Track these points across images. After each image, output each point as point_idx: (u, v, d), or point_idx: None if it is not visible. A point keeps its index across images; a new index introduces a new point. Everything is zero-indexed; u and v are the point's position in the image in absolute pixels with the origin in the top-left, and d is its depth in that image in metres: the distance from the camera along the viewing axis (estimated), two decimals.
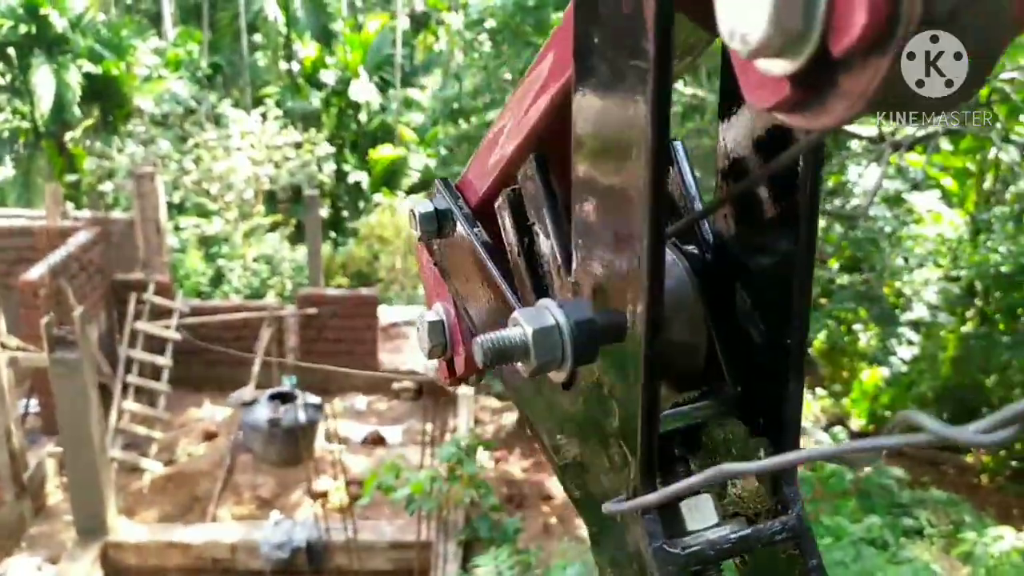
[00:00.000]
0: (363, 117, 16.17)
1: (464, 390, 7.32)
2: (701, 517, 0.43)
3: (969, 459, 7.26)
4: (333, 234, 14.56)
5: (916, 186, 6.39)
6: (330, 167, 14.47)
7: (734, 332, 0.46)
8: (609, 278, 0.40)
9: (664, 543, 0.41)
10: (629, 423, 0.40)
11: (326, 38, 16.60)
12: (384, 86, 16.50)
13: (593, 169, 0.40)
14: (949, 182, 7.60)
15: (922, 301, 6.31)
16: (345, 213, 15.39)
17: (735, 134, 0.44)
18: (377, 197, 14.24)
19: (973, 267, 6.34)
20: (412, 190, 14.98)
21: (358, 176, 15.28)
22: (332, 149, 14.43)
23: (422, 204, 0.61)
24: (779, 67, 0.27)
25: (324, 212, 13.97)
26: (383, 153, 15.24)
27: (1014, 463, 6.96)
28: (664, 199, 0.37)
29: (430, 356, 0.62)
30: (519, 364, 0.43)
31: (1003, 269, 6.13)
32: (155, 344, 7.64)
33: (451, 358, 0.63)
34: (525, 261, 0.51)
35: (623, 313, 0.39)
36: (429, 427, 6.30)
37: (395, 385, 8.43)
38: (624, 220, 0.38)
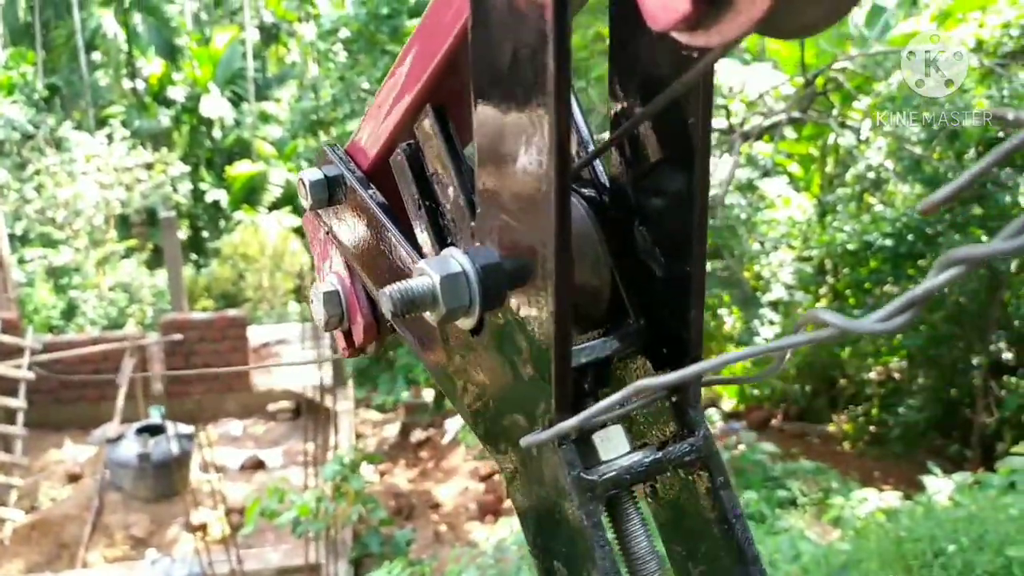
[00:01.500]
0: (217, 133, 15.66)
1: (343, 405, 7.19)
2: (613, 447, 0.45)
3: (832, 428, 7.68)
4: (194, 256, 14.04)
5: (766, 173, 6.71)
6: (186, 187, 13.94)
7: (635, 268, 0.47)
8: (515, 221, 0.41)
9: (581, 471, 0.42)
10: (543, 358, 0.41)
11: (171, 54, 15.97)
12: (237, 101, 16.02)
13: (494, 112, 0.41)
14: (796, 168, 8.02)
15: (779, 282, 6.63)
16: (205, 233, 14.85)
17: (625, 77, 0.45)
18: (238, 215, 13.82)
19: (822, 247, 6.71)
20: (274, 206, 14.61)
21: (216, 194, 14.77)
22: (187, 168, 13.90)
23: (311, 172, 0.59)
24: None
25: (183, 234, 13.44)
26: (241, 170, 14.79)
27: (872, 428, 7.40)
28: (567, 137, 0.37)
29: (327, 327, 0.61)
30: (427, 313, 0.44)
31: (849, 247, 6.51)
32: (6, 385, 7.16)
33: (348, 329, 0.62)
34: (427, 213, 0.51)
35: (529, 254, 0.40)
36: (310, 446, 6.16)
37: (271, 406, 8.20)
38: (529, 162, 0.39)
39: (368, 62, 6.79)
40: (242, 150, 15.61)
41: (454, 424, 7.46)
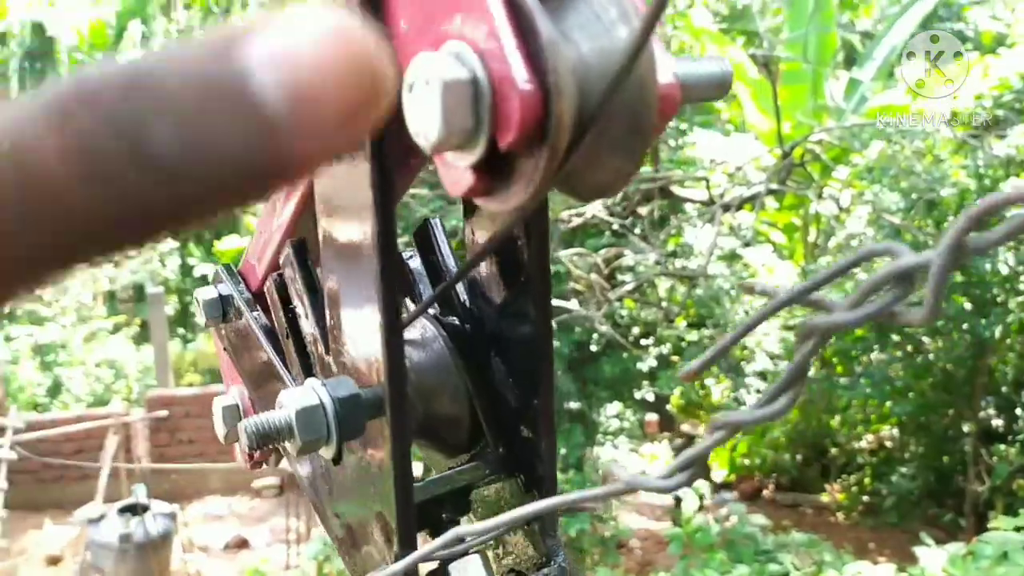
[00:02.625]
0: None
1: None
2: None
3: (825, 498, 7.59)
4: (181, 331, 13.98)
5: (748, 243, 6.77)
6: (174, 262, 13.96)
7: (493, 397, 0.48)
8: (357, 360, 0.43)
9: None
10: (387, 492, 0.42)
11: None
12: None
13: (334, 256, 0.43)
14: (779, 237, 8.09)
15: (764, 351, 6.63)
16: (193, 308, 14.83)
17: (474, 224, 0.48)
18: None
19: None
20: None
21: (205, 269, 14.80)
22: (175, 243, 13.94)
23: (206, 290, 0.61)
24: (462, 160, 0.31)
25: (170, 309, 13.42)
26: (229, 244, 14.83)
27: (865, 498, 7.32)
28: (394, 290, 0.40)
29: (226, 441, 0.62)
30: (287, 444, 0.44)
31: None
32: None
33: None
34: (293, 342, 0.53)
35: (373, 392, 0.42)
36: (294, 523, 6.05)
37: (256, 483, 8.08)
38: (363, 308, 0.41)
39: None
40: (231, 225, 15.70)
41: None
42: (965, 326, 5.98)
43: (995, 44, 8.05)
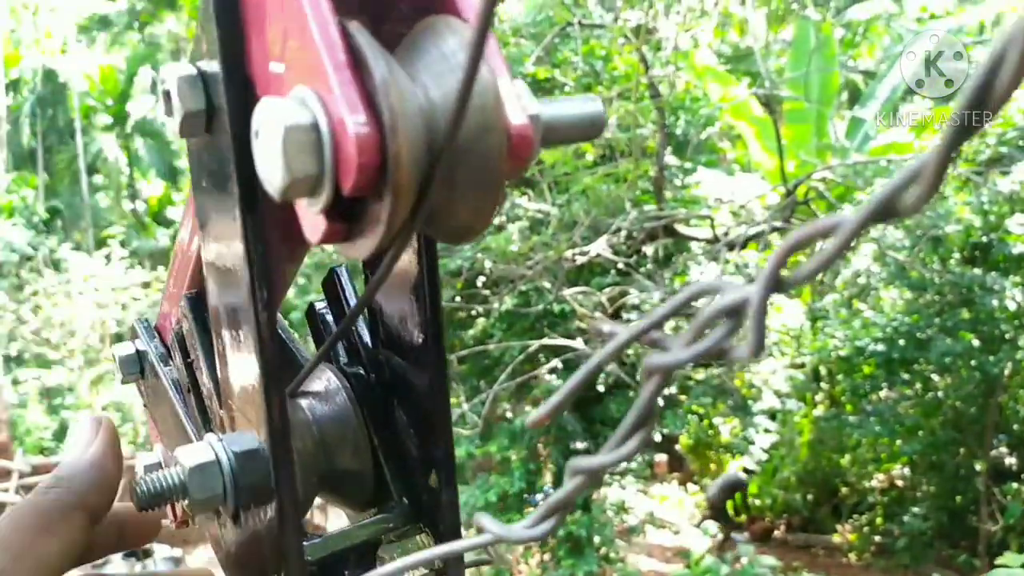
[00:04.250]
0: None
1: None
2: None
3: (837, 539, 7.48)
4: None
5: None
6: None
7: (396, 448, 0.48)
8: (248, 414, 0.42)
9: None
10: (280, 554, 0.41)
11: (172, 175, 16.34)
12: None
13: (218, 313, 0.43)
14: (784, 273, 8.07)
15: (771, 389, 6.58)
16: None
17: (369, 262, 0.47)
18: None
19: (815, 353, 6.70)
20: None
21: None
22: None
23: (123, 346, 0.60)
24: (312, 206, 0.30)
25: None
26: None
27: (877, 538, 7.21)
28: (273, 352, 0.39)
29: None
30: (182, 503, 0.43)
31: (841, 353, 6.50)
32: None
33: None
34: (195, 396, 0.52)
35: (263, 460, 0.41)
36: None
37: None
38: (246, 365, 0.40)
39: None
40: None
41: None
42: (974, 363, 5.94)
43: None
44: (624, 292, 5.49)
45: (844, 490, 7.69)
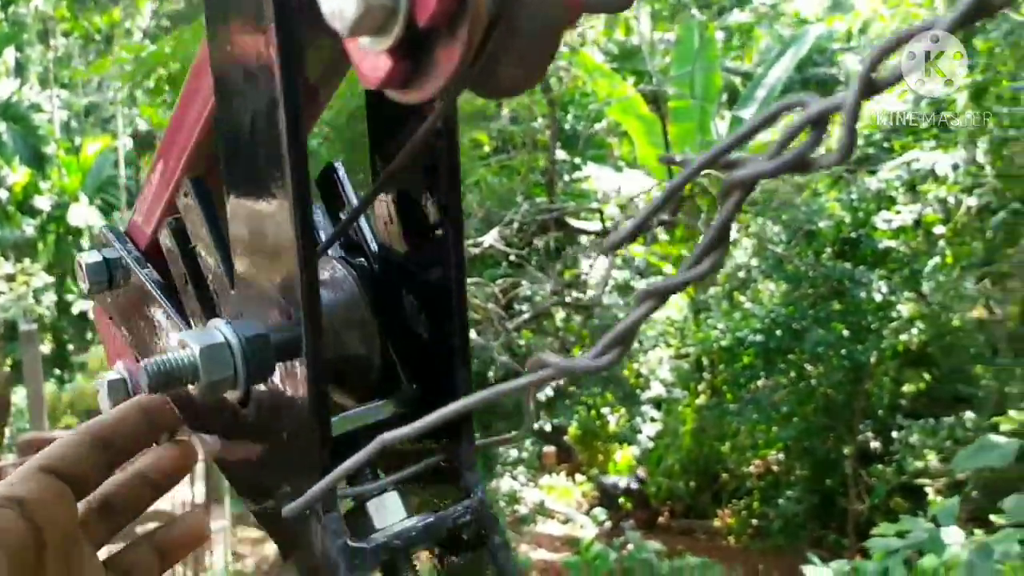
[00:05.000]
0: (86, 243, 15.11)
1: (218, 523, 6.82)
2: (389, 514, 0.45)
3: (717, 523, 7.77)
4: (58, 371, 13.29)
5: (641, 274, 6.94)
6: (50, 298, 13.29)
7: (405, 335, 0.48)
8: (268, 292, 0.42)
9: (348, 539, 0.42)
10: (303, 428, 0.41)
11: (38, 162, 15.46)
12: (108, 209, 15.56)
13: (241, 184, 0.42)
14: (670, 269, 8.32)
15: (658, 379, 6.78)
16: (71, 347, 14.13)
17: (379, 144, 0.47)
18: None
19: (698, 344, 6.93)
20: None
21: (84, 306, 14.15)
22: (51, 279, 13.29)
23: (89, 254, 0.58)
24: (379, 44, 0.30)
25: (45, 348, 12.75)
26: None
27: (754, 522, 7.52)
28: (310, 221, 0.39)
29: None
30: (191, 386, 0.43)
31: (723, 343, 6.74)
32: None
33: None
34: (194, 286, 0.51)
35: (286, 325, 0.41)
36: (179, 569, 5.79)
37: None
38: (275, 234, 0.40)
39: None
40: None
41: None
42: (844, 352, 6.27)
43: None
44: (516, 283, 5.54)
45: (724, 476, 7.98)
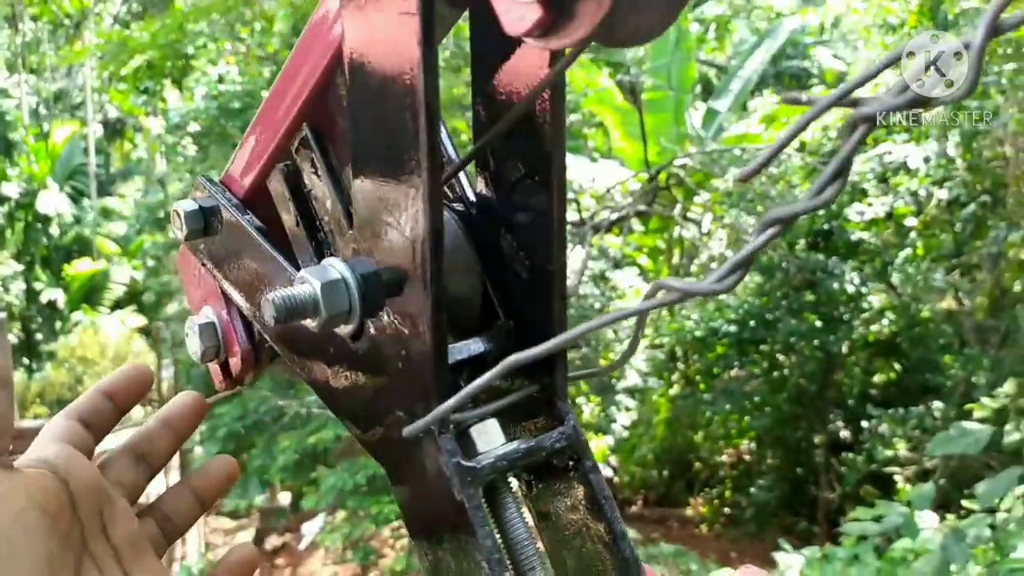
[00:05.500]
0: (55, 231, 14.91)
1: None
2: (490, 439, 0.48)
3: (690, 512, 7.85)
4: (26, 360, 13.13)
5: (617, 264, 6.98)
6: (18, 286, 13.12)
7: (503, 273, 0.51)
8: (390, 232, 0.44)
9: (461, 458, 0.45)
10: (421, 354, 0.44)
11: (7, 149, 15.22)
12: (77, 197, 15.37)
13: (369, 131, 0.45)
14: (645, 260, 8.37)
15: (633, 368, 6.82)
16: (39, 336, 13.95)
17: (485, 96, 0.50)
18: (77, 316, 13.09)
19: (672, 334, 6.98)
20: (117, 305, 13.94)
21: (53, 294, 13.96)
22: (20, 267, 13.14)
23: (185, 203, 0.60)
24: None
25: (13, 336, 12.58)
26: (81, 268, 14.09)
27: (727, 510, 7.61)
28: (439, 153, 0.41)
29: (203, 359, 0.61)
30: (308, 321, 0.45)
31: (696, 334, 6.80)
32: None
33: (225, 360, 0.63)
34: (305, 229, 0.54)
35: (405, 263, 0.44)
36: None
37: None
38: (402, 178, 0.43)
39: (219, 156, 6.69)
40: (82, 248, 14.90)
41: (312, 527, 7.16)
42: (816, 342, 6.35)
43: (837, 81, 8.65)
44: None
45: (697, 465, 8.06)
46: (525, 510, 0.49)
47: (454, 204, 0.53)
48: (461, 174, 0.54)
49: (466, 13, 0.47)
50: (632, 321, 0.41)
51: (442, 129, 0.53)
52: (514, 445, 0.47)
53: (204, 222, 0.60)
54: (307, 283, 0.45)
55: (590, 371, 0.59)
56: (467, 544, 0.44)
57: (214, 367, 0.63)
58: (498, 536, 0.47)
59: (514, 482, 0.50)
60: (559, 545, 0.51)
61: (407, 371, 0.46)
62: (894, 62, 0.29)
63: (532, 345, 0.41)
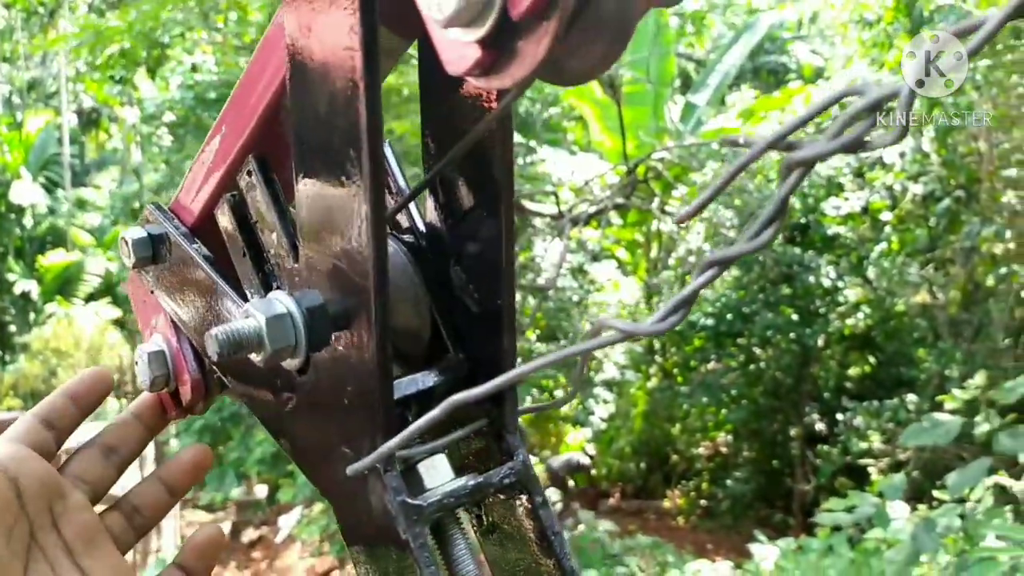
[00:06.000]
0: (28, 221, 14.73)
1: None
2: (438, 475, 0.48)
3: (667, 504, 7.89)
4: None
5: (595, 257, 6.99)
6: None
7: (452, 306, 0.51)
8: (335, 264, 0.44)
9: (406, 496, 0.45)
10: (367, 391, 0.44)
11: None
12: (52, 187, 15.18)
13: (312, 159, 0.44)
14: (623, 253, 8.39)
15: (611, 361, 6.84)
16: (13, 327, 13.78)
17: (434, 126, 0.50)
18: (51, 307, 12.94)
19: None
20: (92, 297, 13.79)
21: (26, 285, 13.79)
22: None
23: (133, 231, 0.60)
24: (470, 34, 0.32)
25: None
26: (55, 259, 13.92)
27: (703, 502, 7.66)
28: (382, 185, 0.41)
29: (152, 388, 0.61)
30: (253, 355, 0.45)
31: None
32: None
33: (175, 389, 0.62)
34: (251, 260, 0.53)
35: (351, 295, 0.43)
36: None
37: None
38: (346, 208, 0.42)
39: (195, 146, 6.63)
40: (56, 239, 14.72)
41: (288, 520, 7.13)
42: (792, 335, 6.39)
43: (815, 76, 8.70)
44: None
45: (674, 458, 8.10)
46: (474, 544, 0.49)
47: (403, 235, 0.53)
48: (411, 204, 0.53)
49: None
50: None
51: (391, 158, 0.54)
52: (462, 481, 0.47)
53: (152, 250, 0.59)
54: (252, 317, 0.45)
55: (539, 406, 0.58)
56: None
57: (164, 395, 0.62)
58: (445, 573, 0.47)
59: (463, 515, 0.49)
60: None
61: (353, 406, 0.45)
62: (831, 104, 0.30)
63: (482, 379, 0.41)
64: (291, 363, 0.47)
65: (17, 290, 13.74)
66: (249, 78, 0.51)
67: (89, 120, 16.85)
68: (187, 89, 6.79)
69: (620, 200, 5.63)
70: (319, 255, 0.45)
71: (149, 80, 8.63)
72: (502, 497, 0.49)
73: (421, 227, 0.53)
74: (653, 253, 8.11)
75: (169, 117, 6.99)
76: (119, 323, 12.50)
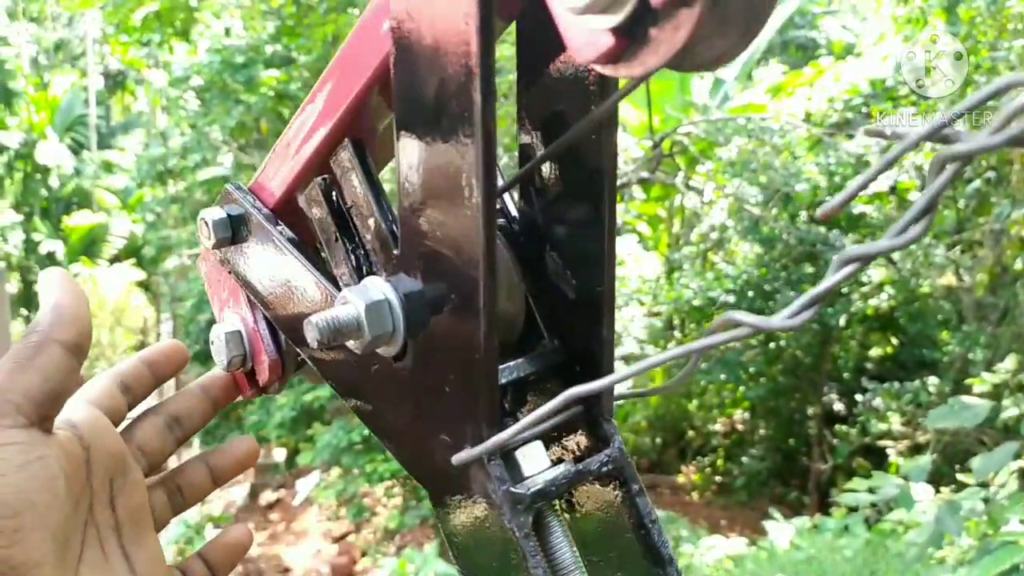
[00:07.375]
0: (54, 182, 14.84)
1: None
2: (535, 463, 0.46)
3: (681, 479, 7.91)
4: (25, 311, 13.14)
5: (619, 232, 6.95)
6: (17, 237, 13.09)
7: (548, 292, 0.50)
8: (440, 248, 0.43)
9: (511, 485, 0.44)
10: (471, 378, 0.43)
11: (6, 98, 15.09)
12: (77, 148, 15.27)
13: (418, 143, 0.43)
14: (645, 228, 8.35)
15: (632, 336, 6.84)
16: (38, 287, 13.95)
17: (533, 111, 0.48)
18: (76, 268, 13.08)
19: (670, 303, 6.98)
20: (116, 259, 13.92)
21: (52, 245, 13.94)
22: (19, 217, 13.10)
23: (213, 211, 0.59)
24: (605, 22, 0.31)
25: (12, 287, 12.59)
26: (80, 220, 14.04)
27: (718, 478, 7.67)
28: (494, 166, 0.40)
29: (229, 368, 0.60)
30: (351, 342, 0.44)
31: (695, 303, 6.81)
32: None
33: (251, 369, 0.62)
34: (343, 246, 0.52)
35: (455, 280, 0.42)
36: None
37: None
38: (454, 191, 0.41)
39: (221, 111, 6.64)
40: (82, 200, 14.84)
41: (306, 484, 7.22)
42: None
43: (845, 52, 8.57)
44: None
45: (690, 433, 8.11)
46: (569, 534, 0.48)
47: (499, 221, 0.51)
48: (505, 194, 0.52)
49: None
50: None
51: None
52: (561, 469, 0.46)
53: (232, 230, 0.59)
54: (350, 304, 0.44)
55: (638, 392, 0.57)
56: (518, 573, 0.43)
57: (239, 374, 0.62)
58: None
59: (557, 503, 0.48)
60: (604, 567, 0.50)
61: (455, 394, 0.44)
62: (993, 95, 0.28)
63: (579, 367, 0.40)
64: (388, 350, 0.46)
65: (43, 250, 13.88)
66: (344, 58, 0.50)
67: (115, 82, 16.90)
68: (215, 53, 6.79)
69: (644, 174, 5.60)
70: (420, 239, 0.44)
71: (183, 43, 8.62)
72: (597, 485, 0.48)
73: (513, 211, 0.52)
74: (676, 228, 8.07)
75: (196, 81, 7.00)
76: (143, 285, 12.61)
